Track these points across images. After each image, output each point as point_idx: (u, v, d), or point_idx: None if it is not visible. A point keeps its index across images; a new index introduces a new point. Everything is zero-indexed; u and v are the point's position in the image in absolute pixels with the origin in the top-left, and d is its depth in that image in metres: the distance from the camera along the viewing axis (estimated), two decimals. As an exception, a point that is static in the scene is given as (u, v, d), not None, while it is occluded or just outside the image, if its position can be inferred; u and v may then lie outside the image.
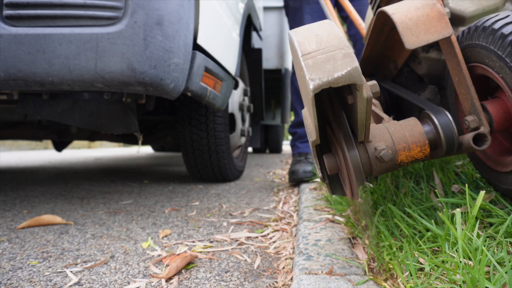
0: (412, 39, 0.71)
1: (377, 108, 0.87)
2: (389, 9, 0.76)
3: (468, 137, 0.72)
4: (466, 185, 0.71)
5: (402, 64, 1.02)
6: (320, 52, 0.57)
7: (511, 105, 0.71)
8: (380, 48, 0.98)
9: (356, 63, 0.54)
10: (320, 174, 0.76)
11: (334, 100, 0.71)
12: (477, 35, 0.73)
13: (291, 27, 2.12)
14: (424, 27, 0.72)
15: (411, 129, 0.72)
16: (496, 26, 0.68)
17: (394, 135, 0.72)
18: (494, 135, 0.80)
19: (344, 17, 2.04)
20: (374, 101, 0.93)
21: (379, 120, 0.83)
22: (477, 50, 0.73)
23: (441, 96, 0.98)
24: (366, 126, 0.66)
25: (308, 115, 0.67)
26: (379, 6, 0.99)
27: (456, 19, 0.83)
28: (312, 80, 0.54)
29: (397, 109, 1.13)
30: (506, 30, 0.66)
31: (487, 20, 0.71)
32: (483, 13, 0.81)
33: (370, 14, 1.20)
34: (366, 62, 1.07)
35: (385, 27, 0.88)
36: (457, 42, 0.76)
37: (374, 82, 0.65)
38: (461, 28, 0.83)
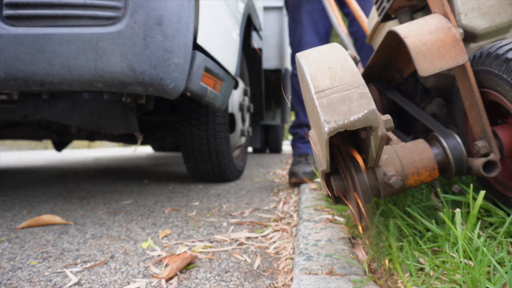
0: (425, 66, 0.69)
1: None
2: (401, 30, 0.73)
3: (478, 163, 0.71)
4: (471, 185, 0.71)
5: (409, 74, 0.99)
6: (335, 90, 0.54)
7: None
8: (386, 57, 0.96)
9: (372, 105, 0.53)
10: (326, 192, 0.74)
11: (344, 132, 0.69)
12: (489, 62, 0.71)
13: (290, 25, 2.11)
14: (438, 53, 0.69)
15: (421, 153, 0.71)
16: (510, 55, 0.66)
17: (404, 160, 0.71)
18: (504, 160, 0.78)
19: (346, 13, 2.01)
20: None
21: (387, 140, 0.82)
22: (489, 76, 0.72)
23: (447, 109, 0.96)
24: (377, 157, 0.65)
25: (318, 142, 0.65)
26: (386, 14, 0.97)
27: (468, 36, 0.80)
28: (327, 122, 0.52)
29: (400, 114, 1.11)
30: None
31: (501, 47, 0.70)
32: (496, 30, 0.79)
33: (374, 15, 1.17)
34: (370, 69, 1.05)
35: (393, 41, 0.86)
36: (470, 66, 0.73)
37: (388, 117, 0.63)
38: (472, 45, 0.81)
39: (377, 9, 1.01)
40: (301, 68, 0.61)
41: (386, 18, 0.99)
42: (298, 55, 0.64)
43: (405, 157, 0.71)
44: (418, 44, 0.70)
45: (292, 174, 1.93)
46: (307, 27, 1.98)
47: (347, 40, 1.36)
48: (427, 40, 0.70)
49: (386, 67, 1.02)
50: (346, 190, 0.71)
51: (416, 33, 0.71)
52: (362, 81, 0.55)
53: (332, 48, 0.62)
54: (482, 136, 0.74)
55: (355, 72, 0.56)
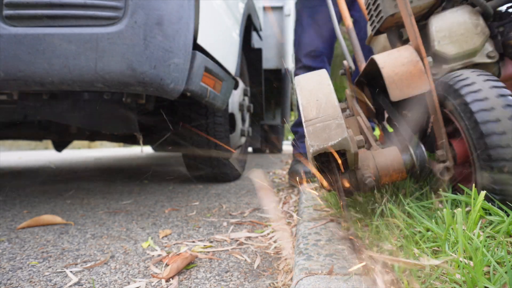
0: (396, 92, 0.84)
1: (369, 135, 1.00)
2: (379, 61, 0.88)
3: (437, 168, 0.89)
4: (473, 185, 0.71)
5: None
6: (319, 120, 0.72)
7: (468, 145, 0.83)
8: (375, 71, 1.04)
9: (345, 133, 0.70)
10: (319, 183, 0.88)
11: None
12: (444, 88, 0.87)
13: (294, 27, 2.15)
14: (407, 82, 0.83)
15: (393, 159, 0.87)
16: (457, 86, 0.83)
17: (379, 164, 0.87)
18: (458, 166, 0.92)
19: (350, 15, 2.01)
20: (366, 124, 1.07)
21: (369, 145, 0.98)
22: (444, 99, 0.88)
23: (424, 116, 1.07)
24: (354, 165, 0.84)
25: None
26: (378, 30, 1.10)
27: (440, 59, 0.96)
28: (312, 146, 0.70)
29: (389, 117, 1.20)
30: (463, 91, 0.81)
31: (452, 78, 0.86)
32: (464, 55, 0.94)
33: (369, 29, 1.25)
34: (365, 74, 1.13)
35: (376, 64, 0.95)
36: (435, 91, 0.88)
37: (360, 138, 0.80)
38: (445, 66, 0.96)
39: (370, 25, 1.13)
40: (297, 94, 0.80)
41: (377, 33, 1.12)
42: (296, 80, 0.81)
43: (380, 162, 0.87)
44: (391, 74, 0.85)
45: (292, 173, 1.91)
46: (307, 29, 2.00)
47: (346, 47, 1.39)
48: (399, 71, 0.84)
49: (376, 76, 1.09)
50: (333, 185, 0.87)
51: (391, 64, 0.86)
52: (340, 113, 0.72)
53: (321, 79, 0.81)
54: (442, 146, 0.89)
55: (335, 106, 0.73)
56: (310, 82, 0.81)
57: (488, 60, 0.94)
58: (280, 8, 4.06)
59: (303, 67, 2.04)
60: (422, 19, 1.00)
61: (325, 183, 0.87)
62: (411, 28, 0.86)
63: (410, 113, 1.07)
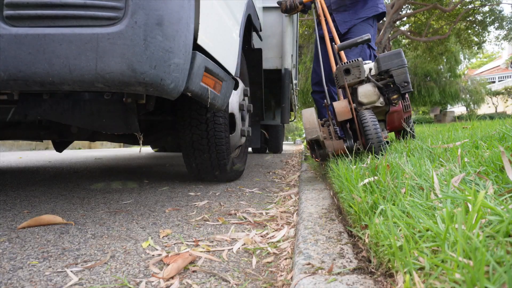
0: (339, 118, 1.84)
1: (333, 135, 1.90)
2: (334, 105, 1.87)
3: (356, 147, 1.82)
4: (473, 186, 0.71)
5: None
6: (309, 128, 1.78)
7: (364, 137, 1.74)
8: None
9: (318, 133, 1.75)
10: (313, 156, 1.94)
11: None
12: (358, 118, 1.75)
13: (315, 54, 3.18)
14: (344, 114, 1.84)
15: (340, 145, 1.83)
16: (361, 116, 1.73)
17: (334, 147, 1.84)
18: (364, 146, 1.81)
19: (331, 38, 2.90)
20: (332, 130, 1.97)
21: (332, 139, 1.89)
22: (358, 121, 1.77)
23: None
24: (324, 147, 1.81)
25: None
26: (339, 85, 1.94)
27: (361, 104, 1.84)
28: (306, 138, 1.80)
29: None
30: (362, 118, 1.71)
31: (361, 114, 1.73)
32: (370, 103, 1.83)
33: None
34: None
35: None
36: (356, 116, 1.81)
37: (324, 135, 1.87)
38: (364, 107, 1.84)
39: (336, 81, 2.00)
40: (302, 118, 1.83)
41: (339, 87, 1.99)
42: (302, 111, 1.85)
43: (335, 146, 1.83)
44: (338, 111, 1.85)
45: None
46: (313, 68, 3.22)
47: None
48: (341, 110, 1.84)
49: None
50: (317, 156, 1.87)
51: (338, 107, 1.86)
52: (317, 126, 1.78)
53: (311, 112, 1.83)
54: (360, 139, 1.81)
55: (316, 124, 1.78)
56: (307, 114, 1.82)
57: (381, 105, 1.83)
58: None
59: (312, 92, 3.24)
60: (355, 85, 1.89)
61: (314, 154, 1.87)
62: (347, 93, 1.86)
63: (352, 125, 1.92)
